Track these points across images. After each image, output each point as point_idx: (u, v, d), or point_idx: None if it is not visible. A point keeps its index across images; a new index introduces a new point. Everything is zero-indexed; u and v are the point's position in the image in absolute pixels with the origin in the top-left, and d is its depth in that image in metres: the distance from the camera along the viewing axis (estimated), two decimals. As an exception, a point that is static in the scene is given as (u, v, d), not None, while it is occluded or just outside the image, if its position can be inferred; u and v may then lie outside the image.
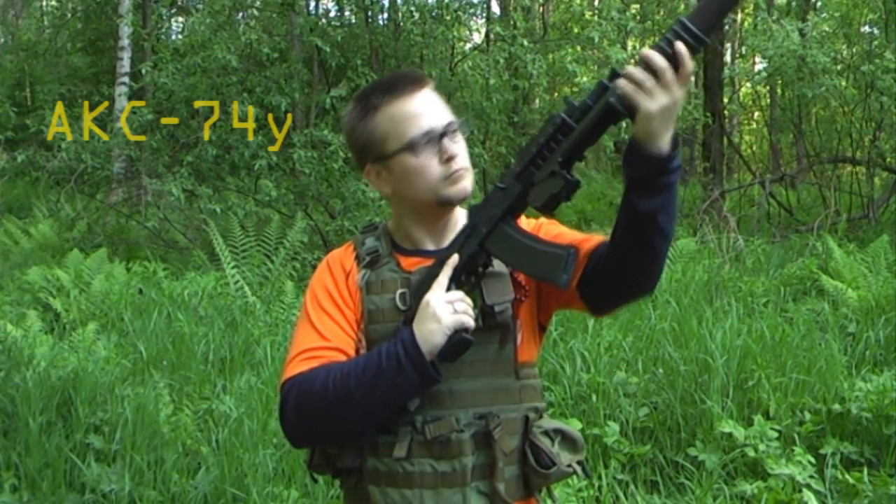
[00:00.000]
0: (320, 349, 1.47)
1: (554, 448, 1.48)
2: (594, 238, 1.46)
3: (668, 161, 1.29)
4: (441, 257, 1.46)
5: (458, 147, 1.51)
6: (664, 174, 1.30)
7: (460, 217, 1.58)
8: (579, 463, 1.51)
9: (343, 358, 1.47)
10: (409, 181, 1.50)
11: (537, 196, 1.37)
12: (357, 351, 1.49)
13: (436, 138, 1.48)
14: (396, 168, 1.50)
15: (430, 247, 1.55)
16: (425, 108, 1.50)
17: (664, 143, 1.29)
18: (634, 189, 1.33)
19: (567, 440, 1.51)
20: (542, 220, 1.58)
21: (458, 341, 1.38)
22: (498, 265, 1.46)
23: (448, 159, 1.48)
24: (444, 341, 1.37)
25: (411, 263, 1.52)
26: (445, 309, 1.38)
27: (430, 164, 1.48)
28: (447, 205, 1.51)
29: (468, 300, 1.41)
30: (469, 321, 1.39)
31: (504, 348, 1.47)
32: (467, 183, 1.50)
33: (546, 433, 1.49)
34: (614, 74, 1.30)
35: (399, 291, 1.48)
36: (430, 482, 1.43)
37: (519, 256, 1.41)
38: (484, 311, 1.43)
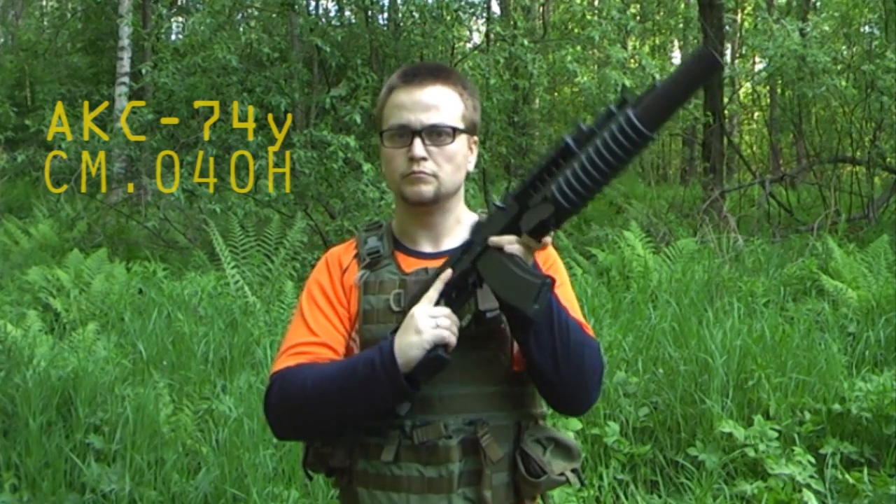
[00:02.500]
0: (308, 344, 1.49)
1: (545, 457, 1.47)
2: (587, 328, 1.48)
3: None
4: (438, 271, 1.45)
5: (436, 151, 1.49)
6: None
7: (462, 220, 1.58)
8: (574, 471, 1.50)
9: (330, 353, 1.48)
10: (385, 166, 1.55)
11: (528, 221, 1.34)
12: (348, 348, 1.51)
13: (408, 135, 1.48)
14: (382, 150, 1.55)
15: (428, 248, 1.55)
16: (418, 103, 1.49)
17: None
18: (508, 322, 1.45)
19: (561, 448, 1.50)
20: (558, 262, 1.57)
21: (434, 357, 1.36)
22: None
23: (410, 159, 1.48)
24: (422, 355, 1.36)
25: (410, 265, 1.52)
26: (428, 323, 1.37)
27: (396, 157, 1.51)
28: (407, 201, 1.52)
29: (454, 318, 1.39)
30: (450, 338, 1.37)
31: (498, 355, 1.47)
32: (425, 188, 1.49)
33: (538, 441, 1.48)
34: (623, 101, 1.27)
35: (394, 292, 1.49)
36: (417, 487, 1.43)
37: (499, 279, 1.38)
38: (477, 317, 1.42)
